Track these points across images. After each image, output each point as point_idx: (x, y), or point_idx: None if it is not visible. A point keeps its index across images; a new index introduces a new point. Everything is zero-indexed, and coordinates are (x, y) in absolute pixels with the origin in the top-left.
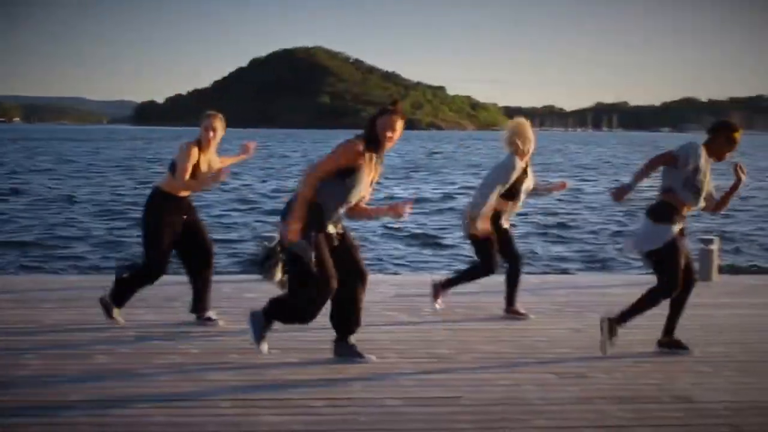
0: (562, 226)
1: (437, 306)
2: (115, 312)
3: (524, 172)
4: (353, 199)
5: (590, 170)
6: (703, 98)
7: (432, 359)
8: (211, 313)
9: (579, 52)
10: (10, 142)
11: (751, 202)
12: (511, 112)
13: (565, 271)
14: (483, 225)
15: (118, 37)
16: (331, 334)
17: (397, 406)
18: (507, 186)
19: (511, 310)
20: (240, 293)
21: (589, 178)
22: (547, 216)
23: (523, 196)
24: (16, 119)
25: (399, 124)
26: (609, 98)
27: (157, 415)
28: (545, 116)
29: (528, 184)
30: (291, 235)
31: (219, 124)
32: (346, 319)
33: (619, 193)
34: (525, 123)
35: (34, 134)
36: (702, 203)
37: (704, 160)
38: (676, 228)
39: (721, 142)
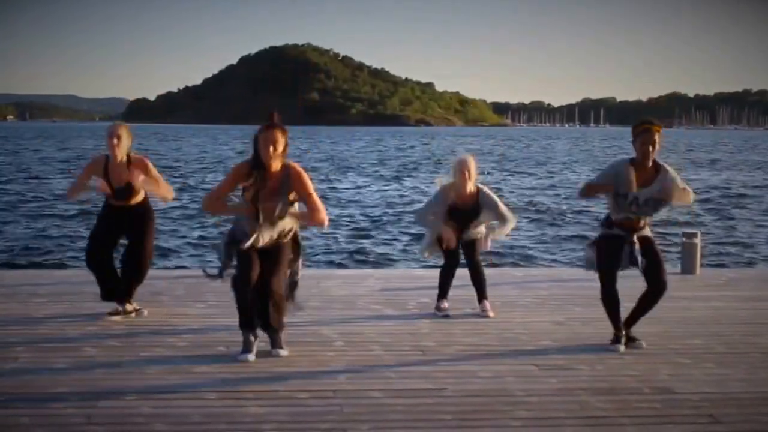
0: (544, 220)
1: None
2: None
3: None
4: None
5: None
6: (690, 93)
7: (416, 352)
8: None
9: (566, 48)
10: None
11: (739, 197)
12: (499, 107)
13: (547, 265)
14: (446, 235)
15: (109, 35)
16: (317, 327)
17: (380, 397)
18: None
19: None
20: (226, 287)
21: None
22: (530, 209)
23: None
24: (10, 117)
25: (278, 136)
26: (596, 94)
27: (143, 406)
28: (533, 111)
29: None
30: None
31: (124, 132)
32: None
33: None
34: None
35: (43, 133)
36: (640, 214)
37: (621, 174)
38: (613, 232)
39: (635, 143)
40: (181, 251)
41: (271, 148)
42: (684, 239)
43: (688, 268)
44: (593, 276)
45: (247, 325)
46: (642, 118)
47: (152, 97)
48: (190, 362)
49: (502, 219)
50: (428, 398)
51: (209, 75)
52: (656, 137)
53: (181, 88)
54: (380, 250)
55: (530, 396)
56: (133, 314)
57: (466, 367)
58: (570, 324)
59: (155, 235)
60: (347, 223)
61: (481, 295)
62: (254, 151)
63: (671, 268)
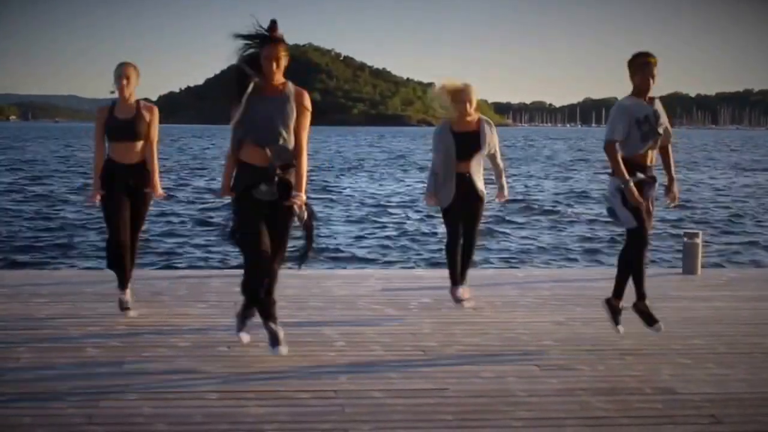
0: (547, 220)
1: (465, 304)
2: None
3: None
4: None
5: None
6: (692, 93)
7: (418, 352)
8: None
9: (568, 48)
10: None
11: (740, 197)
12: (500, 108)
13: (548, 265)
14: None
15: (110, 35)
16: (318, 328)
17: (382, 398)
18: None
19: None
20: (228, 287)
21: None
22: (533, 209)
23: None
24: (13, 117)
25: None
26: (598, 94)
27: (144, 406)
28: (535, 111)
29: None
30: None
31: (133, 72)
32: None
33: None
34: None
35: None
36: (651, 143)
37: (639, 107)
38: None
39: (634, 77)
40: (183, 252)
41: (274, 65)
42: (685, 239)
43: (689, 269)
44: (595, 276)
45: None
46: (638, 51)
47: (154, 97)
48: (192, 362)
49: (495, 163)
50: (429, 398)
51: (211, 75)
52: (655, 70)
53: (183, 88)
54: (381, 250)
55: (531, 396)
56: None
57: (467, 368)
58: (571, 324)
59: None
60: (348, 223)
61: (462, 276)
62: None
63: (673, 269)
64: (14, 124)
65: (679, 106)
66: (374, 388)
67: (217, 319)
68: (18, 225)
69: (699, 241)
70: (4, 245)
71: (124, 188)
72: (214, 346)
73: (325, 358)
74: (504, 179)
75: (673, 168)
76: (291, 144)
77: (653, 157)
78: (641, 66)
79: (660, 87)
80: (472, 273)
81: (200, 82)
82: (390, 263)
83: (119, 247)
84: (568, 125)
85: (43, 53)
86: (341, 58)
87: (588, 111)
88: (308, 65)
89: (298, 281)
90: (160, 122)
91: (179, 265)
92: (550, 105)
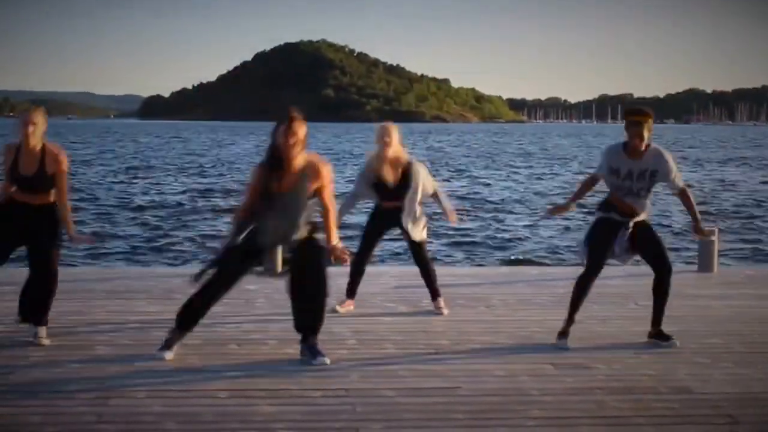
0: (561, 217)
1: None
2: None
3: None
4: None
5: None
6: (708, 89)
7: (430, 350)
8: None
9: (583, 44)
10: None
11: (756, 194)
12: (515, 104)
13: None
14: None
15: (124, 32)
16: (330, 325)
17: (393, 396)
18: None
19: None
20: (239, 285)
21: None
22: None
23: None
24: None
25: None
26: (614, 90)
27: (154, 405)
28: (550, 108)
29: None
30: None
31: (40, 117)
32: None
33: (555, 210)
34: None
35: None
36: (633, 198)
37: (618, 157)
38: (610, 216)
39: (628, 133)
40: (195, 250)
41: (292, 140)
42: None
43: (705, 266)
44: (610, 274)
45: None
46: (631, 107)
47: (167, 94)
48: (202, 360)
49: (435, 198)
50: (441, 397)
51: (224, 71)
52: (644, 130)
53: (195, 85)
54: (396, 247)
55: (545, 395)
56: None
57: (480, 366)
58: (586, 322)
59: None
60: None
61: (434, 293)
62: (271, 147)
63: (688, 267)
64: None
65: (696, 102)
66: (386, 386)
67: (227, 317)
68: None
69: (715, 238)
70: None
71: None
72: (225, 344)
73: (336, 356)
74: (445, 205)
75: (694, 211)
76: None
77: (638, 209)
78: (629, 125)
79: (677, 83)
80: (486, 272)
81: (213, 78)
82: (405, 259)
83: None
84: (583, 121)
85: (57, 50)
86: (355, 54)
87: (604, 107)
88: (322, 61)
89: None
90: (173, 118)
91: (192, 263)
92: (566, 101)
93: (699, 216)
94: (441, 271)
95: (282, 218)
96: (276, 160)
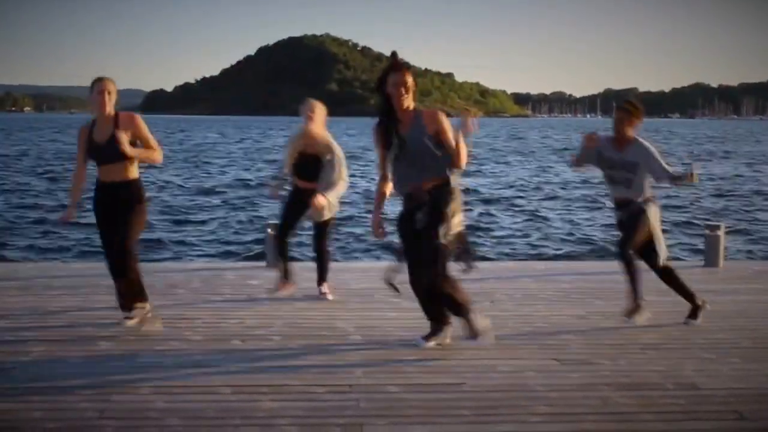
0: (569, 210)
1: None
2: None
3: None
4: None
5: None
6: (714, 84)
7: (435, 345)
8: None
9: (588, 38)
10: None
11: (765, 188)
12: (520, 98)
13: (570, 257)
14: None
15: (127, 26)
16: (334, 321)
17: (398, 392)
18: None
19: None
20: (242, 280)
21: None
22: (556, 199)
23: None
24: (28, 109)
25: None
26: (619, 84)
27: (157, 401)
28: (555, 102)
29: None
30: None
31: (113, 86)
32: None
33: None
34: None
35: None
36: (620, 188)
37: (607, 147)
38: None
39: (614, 122)
40: (197, 244)
41: (403, 90)
42: (707, 231)
43: (711, 261)
44: (615, 270)
45: None
46: (625, 100)
47: (169, 88)
48: (205, 356)
49: (335, 179)
50: (446, 393)
51: (227, 66)
52: (627, 121)
53: (198, 79)
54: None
55: (551, 391)
56: (142, 320)
57: (485, 362)
58: (592, 318)
59: (144, 225)
60: (366, 215)
61: (321, 278)
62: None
63: (696, 261)
64: (29, 116)
65: (701, 96)
66: (390, 382)
67: (231, 312)
68: (30, 217)
69: (721, 233)
70: (17, 238)
71: (108, 206)
72: (228, 340)
73: (340, 351)
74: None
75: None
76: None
77: (623, 200)
78: (616, 114)
79: (682, 77)
80: (489, 265)
81: (216, 72)
82: None
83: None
84: (588, 116)
85: (59, 44)
86: (359, 48)
87: (609, 102)
88: (326, 56)
89: (315, 273)
90: (176, 112)
91: (194, 258)
92: (570, 96)
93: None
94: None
95: (411, 166)
96: (391, 111)
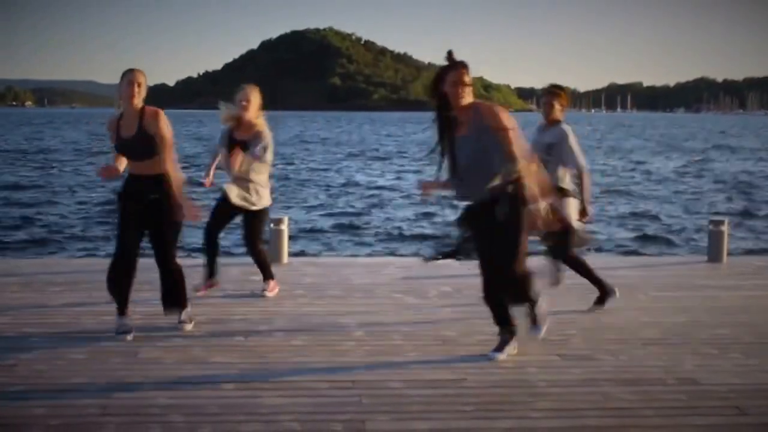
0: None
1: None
2: None
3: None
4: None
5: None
6: (719, 78)
7: (437, 341)
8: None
9: (593, 33)
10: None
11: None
12: (524, 93)
13: None
14: None
15: (129, 20)
16: (336, 317)
17: (400, 388)
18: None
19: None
20: (246, 276)
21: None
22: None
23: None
24: (29, 103)
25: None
26: (623, 79)
27: (160, 397)
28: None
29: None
30: None
31: (143, 78)
32: None
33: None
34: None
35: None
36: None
37: (538, 130)
38: None
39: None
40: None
41: (461, 88)
42: (711, 227)
43: (715, 257)
44: (618, 265)
45: None
46: (551, 83)
47: (171, 83)
48: (208, 352)
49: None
50: (448, 389)
51: (229, 60)
52: (551, 101)
53: (200, 74)
54: (401, 237)
55: (552, 387)
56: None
57: None
58: (594, 313)
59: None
60: (368, 211)
61: (265, 276)
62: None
63: (698, 257)
64: (30, 111)
65: (707, 91)
66: (392, 378)
67: (234, 308)
68: (33, 213)
69: (725, 228)
70: (19, 234)
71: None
72: (231, 336)
73: (343, 347)
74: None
75: (585, 195)
76: None
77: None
78: (542, 99)
79: (687, 71)
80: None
81: (218, 67)
82: (409, 252)
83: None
84: (592, 110)
85: (61, 39)
86: (362, 42)
87: (613, 96)
88: (328, 49)
89: (318, 269)
90: (179, 107)
91: (197, 255)
92: (575, 90)
93: (589, 201)
94: (450, 262)
95: (475, 165)
96: (447, 108)
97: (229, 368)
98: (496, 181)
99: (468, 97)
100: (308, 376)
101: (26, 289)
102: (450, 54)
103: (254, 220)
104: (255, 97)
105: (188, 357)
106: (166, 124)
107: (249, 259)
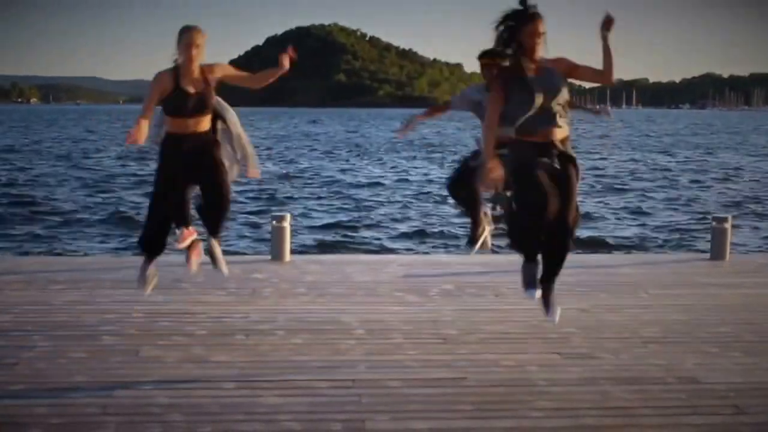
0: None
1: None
2: None
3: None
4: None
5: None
6: (725, 74)
7: (438, 340)
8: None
9: (596, 28)
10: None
11: None
12: None
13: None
14: None
15: (134, 16)
16: (337, 315)
17: (399, 387)
18: None
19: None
20: (247, 274)
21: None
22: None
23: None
24: (34, 100)
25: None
26: (628, 75)
27: (160, 396)
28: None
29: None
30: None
31: (202, 39)
32: None
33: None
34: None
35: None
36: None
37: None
38: None
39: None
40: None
41: (538, 39)
42: (714, 224)
43: (717, 254)
44: (620, 263)
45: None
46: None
47: None
48: (209, 351)
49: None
50: (448, 388)
51: (235, 56)
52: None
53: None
54: (403, 235)
55: (552, 386)
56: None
57: (487, 356)
58: (595, 311)
59: None
60: (371, 207)
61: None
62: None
63: (700, 254)
64: (36, 107)
65: (712, 87)
66: (392, 377)
67: (235, 307)
68: (36, 210)
69: (728, 225)
70: (21, 232)
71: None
72: (232, 335)
73: (343, 346)
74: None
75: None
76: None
77: None
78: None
79: (692, 67)
80: (495, 258)
81: (224, 62)
82: (413, 246)
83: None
84: (598, 106)
85: (65, 35)
86: (367, 39)
87: (619, 92)
88: (333, 45)
89: (319, 267)
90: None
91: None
92: (580, 86)
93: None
94: (452, 260)
95: (543, 113)
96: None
97: (229, 367)
98: (560, 134)
99: (542, 49)
100: (308, 375)
101: (28, 287)
102: (524, 2)
103: None
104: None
105: (188, 356)
106: (228, 67)
107: (249, 258)
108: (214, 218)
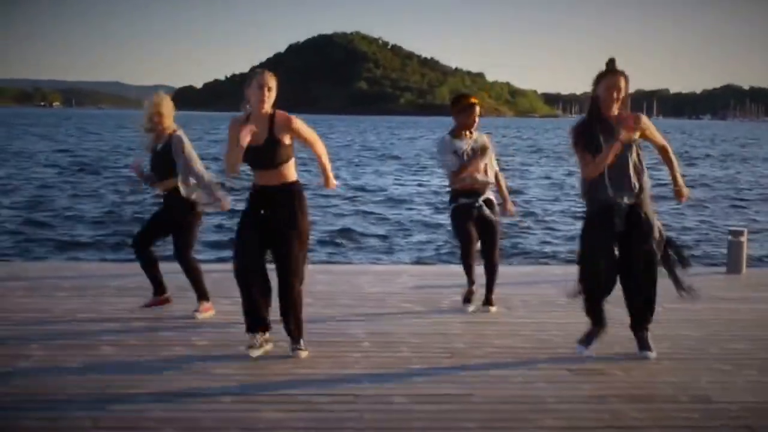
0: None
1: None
2: None
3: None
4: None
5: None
6: (745, 85)
7: (445, 354)
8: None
9: (619, 38)
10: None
11: None
12: (550, 98)
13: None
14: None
15: (157, 22)
16: (345, 327)
17: (404, 403)
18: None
19: None
20: None
21: None
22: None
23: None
24: (56, 104)
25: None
26: (649, 85)
27: (155, 409)
28: (584, 102)
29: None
30: None
31: (274, 81)
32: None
33: None
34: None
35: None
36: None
37: (451, 142)
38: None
39: (457, 119)
40: (209, 246)
41: (615, 94)
42: (730, 237)
43: (734, 268)
44: None
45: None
46: (459, 93)
47: (199, 85)
48: (208, 363)
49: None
50: (454, 404)
51: (257, 63)
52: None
53: (228, 76)
54: (415, 245)
55: (561, 403)
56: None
57: (495, 371)
58: (608, 326)
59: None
60: (384, 218)
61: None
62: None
63: (717, 268)
64: (59, 111)
65: (733, 98)
66: (397, 392)
67: (238, 316)
68: (45, 216)
69: (744, 239)
70: (27, 237)
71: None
72: (234, 346)
73: (348, 359)
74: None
75: (504, 194)
76: None
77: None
78: (465, 108)
79: (713, 78)
80: (506, 270)
81: (245, 70)
82: (425, 257)
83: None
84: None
85: (88, 39)
86: (389, 47)
87: (639, 102)
88: (355, 54)
89: (329, 277)
90: (205, 109)
91: (206, 259)
92: None
93: (508, 197)
94: (461, 270)
95: (620, 170)
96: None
97: (227, 380)
98: (637, 189)
99: (618, 106)
100: (309, 389)
101: (33, 293)
102: (612, 61)
103: (183, 233)
104: (166, 105)
105: (188, 367)
106: (304, 125)
107: None
108: None
